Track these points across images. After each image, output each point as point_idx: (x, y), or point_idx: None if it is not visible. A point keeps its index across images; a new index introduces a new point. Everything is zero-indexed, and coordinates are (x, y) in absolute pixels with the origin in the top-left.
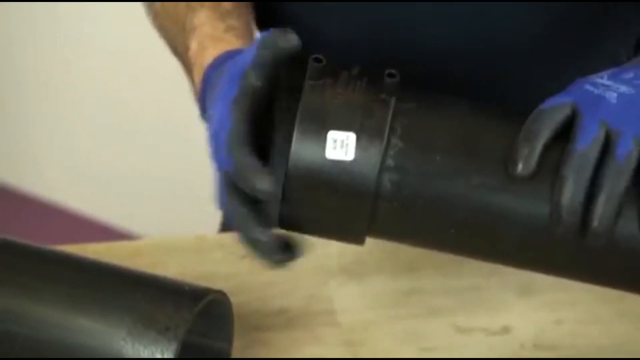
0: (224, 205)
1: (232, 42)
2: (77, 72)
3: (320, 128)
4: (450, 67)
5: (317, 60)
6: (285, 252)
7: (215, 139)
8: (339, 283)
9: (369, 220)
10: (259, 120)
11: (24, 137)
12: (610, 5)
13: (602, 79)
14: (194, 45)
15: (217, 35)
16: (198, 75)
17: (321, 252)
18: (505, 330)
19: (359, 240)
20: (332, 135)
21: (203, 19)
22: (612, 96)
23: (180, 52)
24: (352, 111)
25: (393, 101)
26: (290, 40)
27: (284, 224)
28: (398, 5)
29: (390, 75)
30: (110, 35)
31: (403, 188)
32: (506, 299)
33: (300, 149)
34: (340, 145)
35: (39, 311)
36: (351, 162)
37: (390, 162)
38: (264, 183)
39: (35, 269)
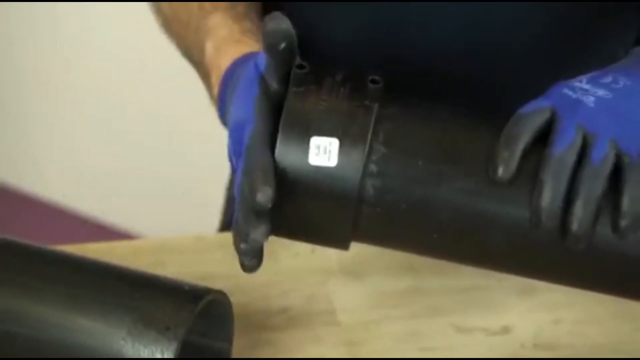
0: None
1: (249, 45)
2: (77, 72)
3: (303, 134)
4: (450, 67)
5: (300, 67)
6: (259, 259)
7: (236, 137)
8: (339, 283)
9: (353, 225)
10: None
11: (24, 137)
12: (609, 5)
13: (581, 82)
14: (209, 47)
15: (234, 38)
16: (216, 77)
17: (321, 252)
18: (505, 330)
19: (344, 246)
20: (315, 141)
21: (218, 21)
22: (589, 100)
23: (193, 54)
24: (335, 117)
25: (376, 107)
26: (285, 30)
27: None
28: (399, 5)
29: (374, 82)
30: (110, 35)
31: (386, 193)
32: (506, 299)
33: (283, 155)
34: (324, 151)
35: (39, 311)
36: (334, 167)
37: (373, 167)
38: (262, 195)
39: (35, 269)
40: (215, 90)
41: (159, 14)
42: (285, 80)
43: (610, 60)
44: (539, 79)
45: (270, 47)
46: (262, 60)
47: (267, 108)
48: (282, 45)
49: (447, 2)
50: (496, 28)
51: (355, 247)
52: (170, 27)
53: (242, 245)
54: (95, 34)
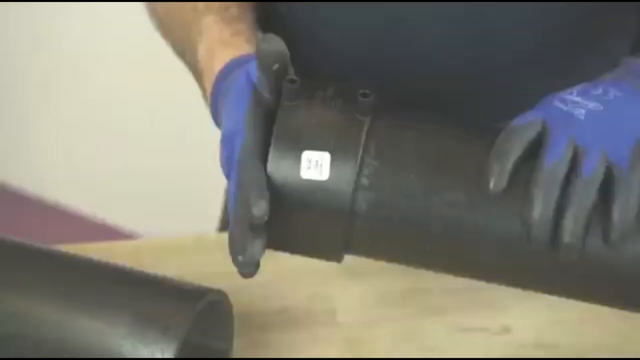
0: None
1: (240, 47)
2: (77, 72)
3: (295, 148)
4: (450, 68)
5: (292, 81)
6: (256, 267)
7: (227, 147)
8: (339, 283)
9: (345, 238)
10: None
11: (24, 137)
12: (610, 6)
13: (572, 95)
14: (202, 50)
15: (225, 40)
16: (208, 81)
17: None
18: (505, 330)
19: (337, 258)
20: (307, 155)
21: (210, 23)
22: (580, 113)
23: (187, 56)
24: (326, 131)
25: (367, 121)
26: (277, 49)
27: None
28: (398, 7)
29: (365, 95)
30: (110, 36)
31: (378, 206)
32: (506, 299)
33: (275, 169)
34: (315, 165)
35: (38, 311)
36: (326, 181)
37: (364, 181)
38: (257, 209)
39: (35, 269)
40: (208, 93)
41: (153, 15)
42: (277, 90)
43: (610, 61)
44: (539, 80)
45: (263, 68)
46: (254, 69)
47: (258, 119)
48: (275, 66)
49: (447, 3)
50: (496, 30)
51: None
52: (165, 28)
53: (240, 258)
54: (96, 34)
